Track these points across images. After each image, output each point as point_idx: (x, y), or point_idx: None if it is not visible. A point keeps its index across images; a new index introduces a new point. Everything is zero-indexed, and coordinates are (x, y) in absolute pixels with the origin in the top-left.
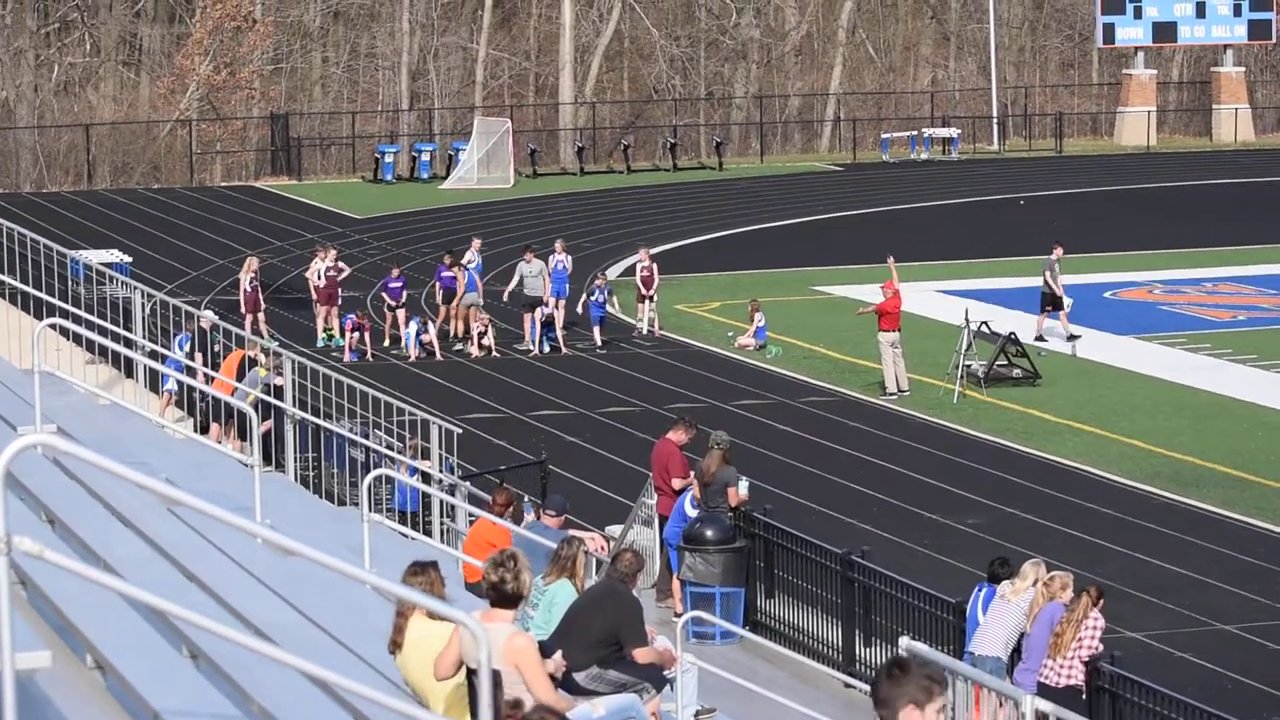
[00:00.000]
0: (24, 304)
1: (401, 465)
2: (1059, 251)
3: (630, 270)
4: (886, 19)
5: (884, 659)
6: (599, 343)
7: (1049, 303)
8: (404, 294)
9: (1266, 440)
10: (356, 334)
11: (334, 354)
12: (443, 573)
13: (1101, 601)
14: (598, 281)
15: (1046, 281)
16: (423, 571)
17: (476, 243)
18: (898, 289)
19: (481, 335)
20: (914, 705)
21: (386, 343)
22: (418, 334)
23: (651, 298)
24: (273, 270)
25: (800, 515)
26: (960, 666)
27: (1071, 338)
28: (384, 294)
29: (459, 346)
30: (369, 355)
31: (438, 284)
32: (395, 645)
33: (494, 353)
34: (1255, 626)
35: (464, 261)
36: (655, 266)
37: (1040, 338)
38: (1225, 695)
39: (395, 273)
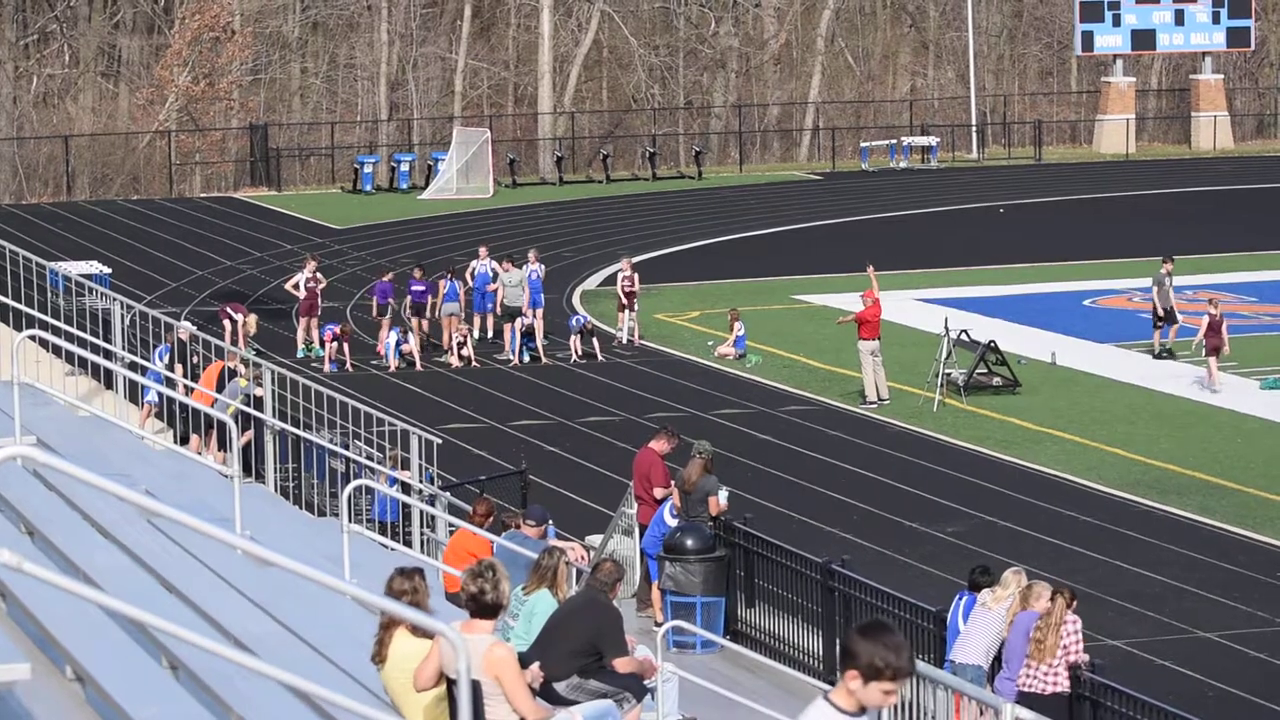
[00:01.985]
0: (3, 315)
1: (381, 476)
2: (1169, 267)
3: (611, 280)
4: (865, 27)
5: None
6: (578, 353)
7: (1161, 319)
8: (389, 300)
9: (1246, 447)
10: (336, 344)
11: (314, 364)
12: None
13: (1075, 604)
14: (579, 316)
15: (1155, 298)
16: (409, 577)
17: (483, 250)
18: (877, 298)
19: (461, 345)
20: (858, 673)
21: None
22: (398, 344)
23: (632, 307)
24: (252, 281)
25: (780, 524)
26: (941, 675)
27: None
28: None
29: (442, 357)
30: (349, 365)
31: (409, 297)
32: (379, 658)
33: (473, 363)
34: (1236, 634)
35: (470, 270)
36: (637, 276)
37: (1163, 354)
38: (1206, 703)
39: (417, 274)
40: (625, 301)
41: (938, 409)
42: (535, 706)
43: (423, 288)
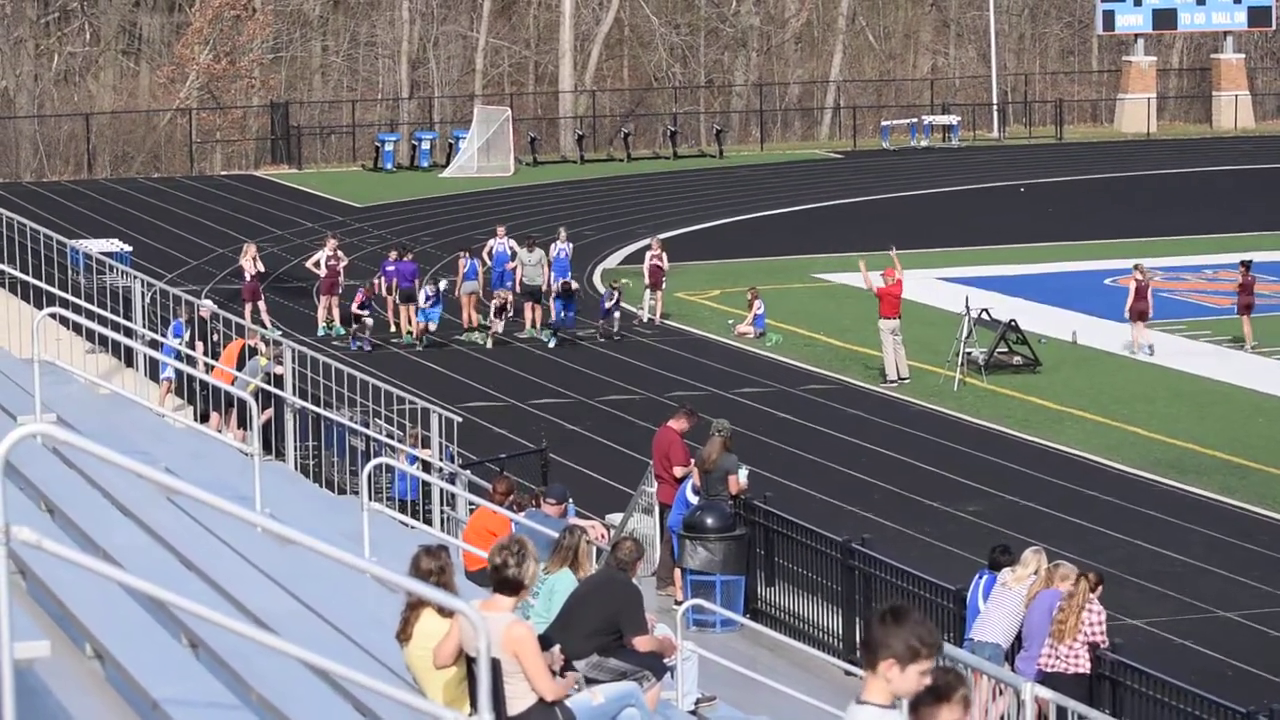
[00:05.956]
0: (24, 293)
1: (401, 454)
2: None
3: (631, 258)
4: (886, 6)
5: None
6: (613, 331)
7: None
8: (414, 281)
9: (1267, 427)
10: (365, 311)
11: (335, 343)
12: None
13: (1100, 589)
14: (616, 286)
15: None
16: (435, 556)
17: (501, 229)
18: (900, 278)
19: (501, 309)
20: (894, 660)
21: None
22: (432, 306)
23: (659, 286)
24: (273, 259)
25: (800, 503)
26: (960, 654)
27: None
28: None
29: (466, 335)
30: (367, 340)
31: (382, 278)
32: (404, 636)
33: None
34: (1256, 614)
35: (487, 249)
36: (665, 255)
37: None
38: (1226, 683)
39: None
40: (651, 280)
41: (958, 388)
42: (554, 685)
43: (393, 268)
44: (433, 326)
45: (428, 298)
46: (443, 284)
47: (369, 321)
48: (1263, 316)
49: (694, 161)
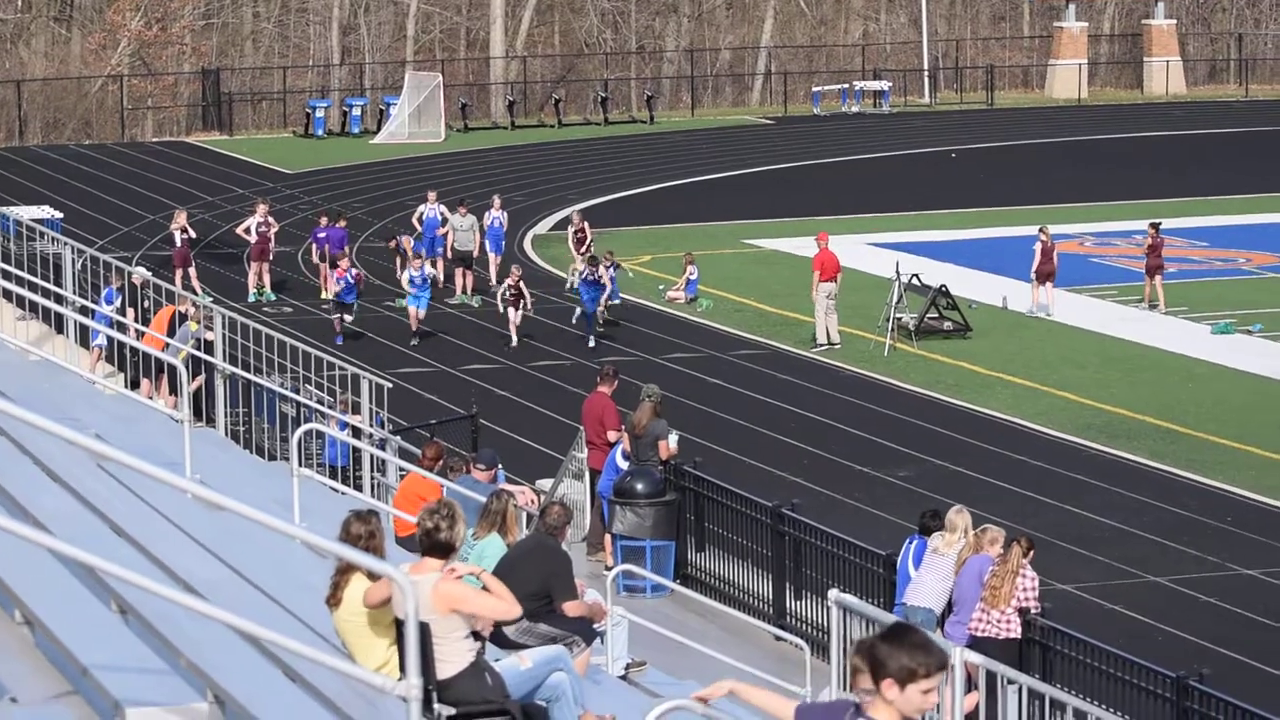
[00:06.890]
0: None
1: (331, 420)
2: None
3: (561, 226)
4: None
5: (814, 612)
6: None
7: None
8: (344, 247)
9: (1196, 392)
10: (351, 298)
11: (265, 308)
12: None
13: (1032, 553)
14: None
15: None
16: (365, 521)
17: (432, 195)
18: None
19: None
20: (893, 680)
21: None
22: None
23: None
24: (204, 225)
25: (730, 468)
26: (890, 619)
27: None
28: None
29: (396, 302)
30: (343, 319)
31: (314, 244)
32: (334, 601)
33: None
34: (1185, 578)
35: (418, 215)
36: (587, 225)
37: None
38: (1156, 647)
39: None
40: (575, 252)
41: (888, 353)
42: (511, 607)
43: (324, 234)
44: (422, 313)
45: (414, 282)
46: (428, 267)
47: (348, 318)
48: (1194, 282)
49: (625, 128)
